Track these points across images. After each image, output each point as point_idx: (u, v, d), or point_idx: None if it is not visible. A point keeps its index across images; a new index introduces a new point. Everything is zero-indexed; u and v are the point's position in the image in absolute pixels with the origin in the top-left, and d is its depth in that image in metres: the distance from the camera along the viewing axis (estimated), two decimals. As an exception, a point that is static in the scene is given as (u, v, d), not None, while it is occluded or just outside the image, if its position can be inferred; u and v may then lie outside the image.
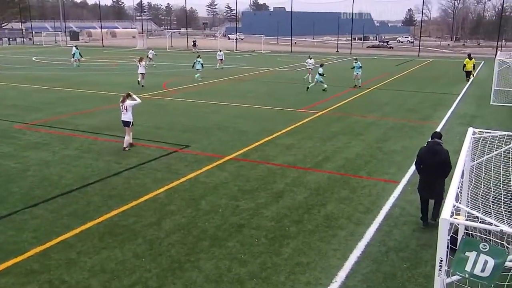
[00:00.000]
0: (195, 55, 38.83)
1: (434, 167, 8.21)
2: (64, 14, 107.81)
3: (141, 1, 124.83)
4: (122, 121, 13.75)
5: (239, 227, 8.50)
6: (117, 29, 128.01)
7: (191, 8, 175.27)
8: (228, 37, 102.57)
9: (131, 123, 13.66)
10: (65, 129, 16.29)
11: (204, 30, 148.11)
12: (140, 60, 27.46)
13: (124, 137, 13.74)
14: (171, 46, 73.92)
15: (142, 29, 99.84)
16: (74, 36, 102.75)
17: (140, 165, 12.15)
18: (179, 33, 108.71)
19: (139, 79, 27.22)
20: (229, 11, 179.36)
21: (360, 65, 27.63)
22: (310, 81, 28.12)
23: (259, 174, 11.53)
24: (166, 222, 8.70)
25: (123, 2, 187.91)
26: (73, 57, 40.01)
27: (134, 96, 14.00)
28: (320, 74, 25.19)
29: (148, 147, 13.92)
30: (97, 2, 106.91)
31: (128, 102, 13.59)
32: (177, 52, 63.10)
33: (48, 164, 12.16)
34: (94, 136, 15.28)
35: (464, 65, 32.00)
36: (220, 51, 40.90)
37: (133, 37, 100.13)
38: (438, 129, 16.21)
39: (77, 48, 40.96)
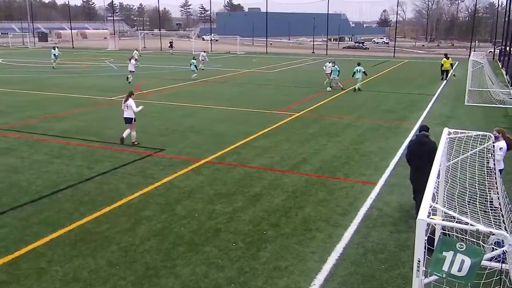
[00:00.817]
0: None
1: (424, 157, 8.66)
2: (31, 15, 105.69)
3: (112, 1, 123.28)
4: (125, 118, 14.38)
5: (216, 232, 8.46)
6: (87, 30, 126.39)
7: (164, 8, 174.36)
8: (203, 38, 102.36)
9: (133, 119, 14.35)
10: (34, 133, 15.97)
11: (178, 31, 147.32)
12: (130, 59, 31.07)
13: (121, 143, 13.79)
14: (144, 47, 73.29)
15: (114, 30, 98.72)
16: (43, 37, 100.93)
17: (113, 169, 11.99)
18: (152, 34, 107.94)
19: (128, 76, 30.35)
20: (203, 12, 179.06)
21: (338, 68, 27.54)
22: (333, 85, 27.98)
23: (235, 177, 11.52)
24: (141, 228, 8.60)
25: (93, 2, 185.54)
26: (56, 59, 40.41)
27: (135, 106, 14.32)
28: (364, 73, 26.93)
29: (122, 151, 13.76)
30: (67, 2, 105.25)
31: (130, 102, 14.20)
32: (150, 53, 62.55)
33: (17, 170, 11.90)
34: (65, 140, 15.02)
35: (442, 65, 33.20)
36: (204, 52, 41.36)
37: (104, 38, 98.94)
38: (413, 130, 16.51)
39: (54, 49, 40.77)
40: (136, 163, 12.60)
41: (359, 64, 27.14)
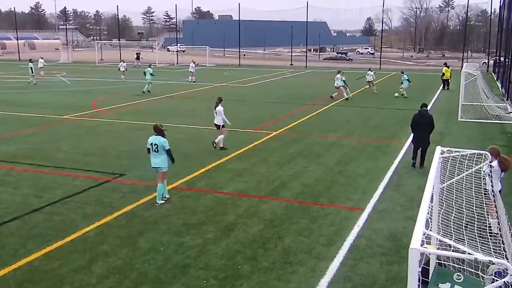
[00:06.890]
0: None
1: (424, 125, 14.32)
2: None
3: (65, 8, 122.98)
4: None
5: (184, 268, 8.37)
6: (36, 40, 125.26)
7: (124, 16, 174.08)
8: (168, 48, 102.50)
9: (221, 126, 16.96)
10: (-27, 158, 15.63)
11: (140, 41, 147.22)
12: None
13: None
14: (101, 59, 72.88)
15: (67, 40, 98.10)
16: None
17: (65, 198, 11.79)
18: (111, 45, 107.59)
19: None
20: (168, 20, 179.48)
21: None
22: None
23: (206, 204, 11.46)
24: (98, 265, 8.45)
25: (43, 9, 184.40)
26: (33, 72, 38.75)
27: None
28: (408, 81, 32.13)
29: (76, 177, 13.55)
30: (12, 9, 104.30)
31: (219, 108, 17.07)
32: (108, 66, 62.23)
33: (-47, 201, 11.59)
34: (10, 165, 14.74)
35: (443, 74, 36.76)
36: (194, 62, 42.18)
37: (56, 49, 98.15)
38: (404, 149, 16.79)
39: (31, 62, 39.36)
40: (92, 190, 12.43)
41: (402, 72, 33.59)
